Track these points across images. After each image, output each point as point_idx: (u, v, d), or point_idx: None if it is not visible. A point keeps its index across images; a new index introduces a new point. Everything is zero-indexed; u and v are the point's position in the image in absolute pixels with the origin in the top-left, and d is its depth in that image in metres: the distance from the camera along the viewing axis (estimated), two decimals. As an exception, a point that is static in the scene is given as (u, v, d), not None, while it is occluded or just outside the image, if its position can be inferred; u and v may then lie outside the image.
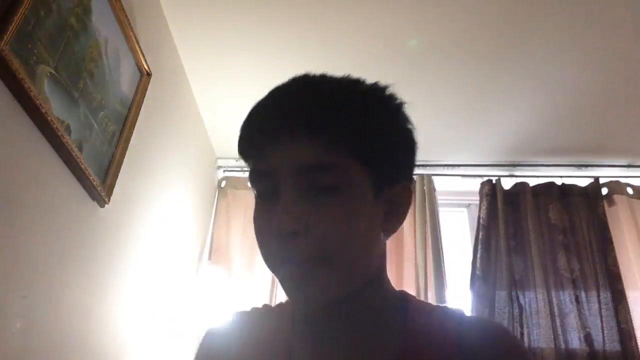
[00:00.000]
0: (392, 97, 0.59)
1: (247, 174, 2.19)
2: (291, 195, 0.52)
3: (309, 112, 0.53)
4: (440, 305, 0.65)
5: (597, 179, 2.26)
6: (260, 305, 0.70)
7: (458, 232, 2.44)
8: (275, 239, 0.52)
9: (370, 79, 0.60)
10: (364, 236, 0.53)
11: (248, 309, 0.70)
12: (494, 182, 2.26)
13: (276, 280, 2.27)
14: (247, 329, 0.65)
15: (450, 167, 2.39)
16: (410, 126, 0.60)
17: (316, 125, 0.52)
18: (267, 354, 0.60)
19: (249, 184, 0.58)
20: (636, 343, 1.90)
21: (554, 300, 2.00)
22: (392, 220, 0.58)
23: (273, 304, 0.69)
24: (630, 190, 2.25)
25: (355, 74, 0.59)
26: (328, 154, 0.51)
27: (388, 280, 0.62)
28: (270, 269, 0.56)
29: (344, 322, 0.58)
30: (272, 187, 0.54)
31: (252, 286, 2.11)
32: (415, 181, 2.24)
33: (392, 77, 2.31)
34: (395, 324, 0.59)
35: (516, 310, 2.00)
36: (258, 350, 0.62)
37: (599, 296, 2.00)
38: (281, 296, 2.05)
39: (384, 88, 0.59)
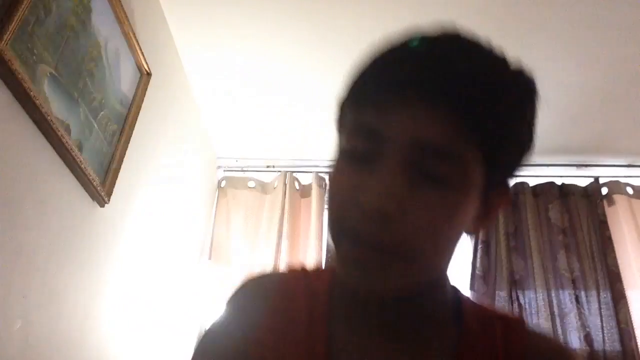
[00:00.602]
0: (534, 84, 0.48)
1: (246, 174, 2.15)
2: (395, 169, 0.42)
3: (453, 83, 0.41)
4: (500, 310, 0.58)
5: (597, 178, 2.26)
6: (295, 268, 0.61)
7: (458, 231, 2.43)
8: (360, 212, 0.42)
9: None
10: (456, 237, 0.46)
11: (283, 271, 0.61)
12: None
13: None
14: (283, 296, 0.56)
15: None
16: (536, 122, 0.49)
17: (456, 101, 0.41)
18: (301, 333, 0.52)
19: (340, 134, 0.49)
20: (636, 343, 1.90)
21: (554, 300, 2.01)
22: (484, 223, 0.50)
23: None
24: (630, 190, 2.25)
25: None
26: (456, 139, 0.42)
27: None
28: (333, 238, 0.47)
29: (398, 315, 0.50)
30: (373, 149, 0.44)
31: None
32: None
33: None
34: (450, 325, 0.53)
35: (516, 310, 2.00)
36: (291, 325, 0.53)
37: (599, 296, 2.00)
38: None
39: (527, 70, 0.48)
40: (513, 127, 0.45)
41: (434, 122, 0.42)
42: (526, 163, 0.50)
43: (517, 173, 0.51)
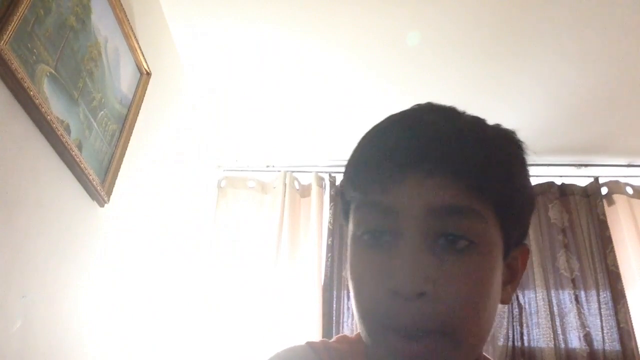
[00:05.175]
0: (524, 147, 0.52)
1: (246, 174, 2.16)
2: (418, 244, 0.43)
3: (451, 149, 0.44)
4: None
5: (596, 178, 2.26)
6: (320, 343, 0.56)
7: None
8: (392, 298, 0.42)
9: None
10: (492, 306, 0.45)
11: (316, 345, 0.56)
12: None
13: (273, 281, 2.22)
14: None
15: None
16: (530, 175, 0.52)
17: (458, 165, 0.44)
18: None
19: (350, 220, 0.50)
20: (636, 343, 1.90)
21: (554, 300, 2.01)
22: (509, 288, 0.50)
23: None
24: (629, 190, 2.25)
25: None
26: (467, 197, 0.43)
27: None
28: (370, 335, 0.45)
29: None
30: (389, 228, 0.45)
31: (250, 286, 2.11)
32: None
33: (390, 76, 2.30)
34: None
35: (516, 310, 2.00)
36: None
37: (598, 296, 2.00)
38: (276, 304, 2.04)
39: (506, 129, 0.52)
40: (514, 185, 0.47)
41: (442, 189, 0.43)
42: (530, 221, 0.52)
43: (527, 232, 0.53)
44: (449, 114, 0.49)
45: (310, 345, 0.55)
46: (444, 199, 0.43)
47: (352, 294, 0.47)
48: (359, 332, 0.53)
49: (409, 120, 0.48)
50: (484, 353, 0.56)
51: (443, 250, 0.43)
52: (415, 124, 0.47)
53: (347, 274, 0.48)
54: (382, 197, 0.45)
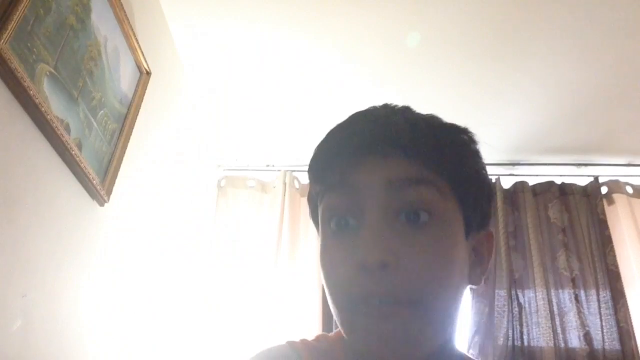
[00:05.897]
0: (476, 139, 0.55)
1: (246, 174, 2.16)
2: (378, 219, 0.45)
3: (405, 134, 0.48)
4: None
5: (596, 177, 2.26)
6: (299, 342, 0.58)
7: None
8: (359, 271, 0.44)
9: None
10: (456, 281, 0.47)
11: (298, 342, 0.58)
12: (493, 180, 2.26)
13: (273, 281, 2.22)
14: None
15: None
16: (484, 165, 0.55)
17: (411, 147, 0.47)
18: None
19: (318, 216, 0.52)
20: (635, 342, 1.90)
21: (554, 299, 2.01)
22: (477, 270, 0.53)
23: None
24: (629, 189, 2.25)
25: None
26: (423, 171, 0.47)
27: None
28: (341, 313, 0.47)
29: None
30: (352, 208, 0.47)
31: (250, 286, 2.11)
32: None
33: (390, 76, 2.29)
34: None
35: (516, 309, 2.00)
36: None
37: (598, 295, 2.00)
38: (275, 308, 2.04)
39: (469, 129, 0.55)
40: (468, 170, 0.50)
41: (398, 166, 0.47)
42: (491, 209, 0.56)
43: (490, 218, 0.56)
44: (403, 109, 0.53)
45: (290, 344, 0.57)
46: (400, 173, 0.47)
47: (323, 280, 0.49)
48: (338, 331, 0.54)
49: (364, 114, 0.52)
50: (464, 352, 0.56)
51: (404, 226, 0.46)
52: (370, 116, 0.51)
53: (319, 265, 0.50)
54: (344, 180, 0.48)
